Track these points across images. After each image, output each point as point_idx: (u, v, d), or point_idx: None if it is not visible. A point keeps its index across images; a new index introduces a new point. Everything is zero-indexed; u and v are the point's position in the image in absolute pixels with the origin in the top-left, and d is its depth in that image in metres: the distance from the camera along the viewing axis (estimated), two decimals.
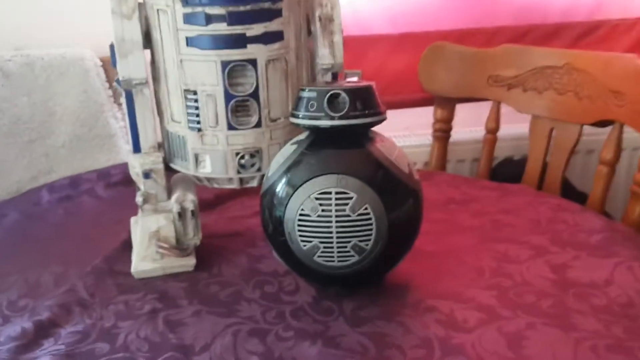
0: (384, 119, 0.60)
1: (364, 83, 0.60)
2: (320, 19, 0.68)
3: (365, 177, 0.57)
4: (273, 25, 0.63)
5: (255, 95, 0.65)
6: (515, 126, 1.27)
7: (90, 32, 1.14)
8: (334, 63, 0.70)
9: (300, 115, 0.60)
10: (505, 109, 1.04)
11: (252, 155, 0.68)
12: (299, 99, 0.60)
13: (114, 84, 0.69)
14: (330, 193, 0.56)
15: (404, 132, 1.28)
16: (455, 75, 1.06)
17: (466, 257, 0.69)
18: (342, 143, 0.59)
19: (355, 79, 0.72)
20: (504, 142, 1.18)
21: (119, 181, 0.98)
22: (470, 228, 0.77)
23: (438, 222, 0.78)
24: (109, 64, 1.13)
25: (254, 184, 0.71)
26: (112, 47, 0.66)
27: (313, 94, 0.59)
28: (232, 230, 0.80)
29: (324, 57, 0.70)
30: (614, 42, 1.20)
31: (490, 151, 1.06)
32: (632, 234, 0.73)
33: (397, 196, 0.58)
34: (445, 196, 0.87)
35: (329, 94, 0.58)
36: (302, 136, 0.62)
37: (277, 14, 0.63)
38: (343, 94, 0.58)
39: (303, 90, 0.60)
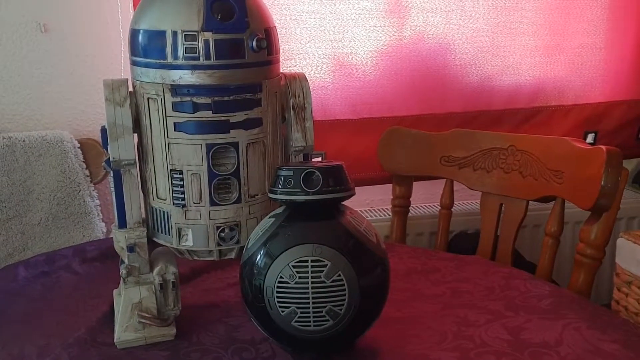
0: (353, 194, 0.67)
1: (335, 162, 0.67)
2: (294, 108, 0.77)
3: (338, 246, 0.63)
4: (253, 113, 0.71)
5: (236, 174, 0.71)
6: (467, 203, 1.37)
7: (69, 115, 1.21)
8: (305, 145, 0.78)
9: (278, 191, 0.66)
10: (458, 187, 1.13)
11: (231, 229, 0.73)
12: (277, 177, 0.67)
13: (103, 164, 0.74)
14: (306, 261, 0.62)
15: (366, 207, 1.36)
16: (411, 156, 1.15)
17: (430, 323, 0.75)
18: (316, 216, 0.66)
19: (319, 158, 0.80)
20: (457, 216, 1.27)
21: (94, 257, 1.01)
22: (432, 296, 0.83)
23: (402, 290, 0.84)
24: (87, 145, 1.20)
25: (232, 256, 0.76)
26: (103, 130, 0.72)
27: (290, 172, 0.66)
28: (209, 301, 0.84)
29: (297, 140, 0.77)
30: (553, 125, 1.33)
31: (446, 225, 1.14)
32: (578, 299, 0.81)
33: (367, 263, 0.65)
34: (406, 266, 0.94)
35: (304, 172, 0.65)
36: (279, 210, 0.68)
37: (257, 103, 0.71)
38: (317, 172, 0.65)
39: (281, 169, 0.67)
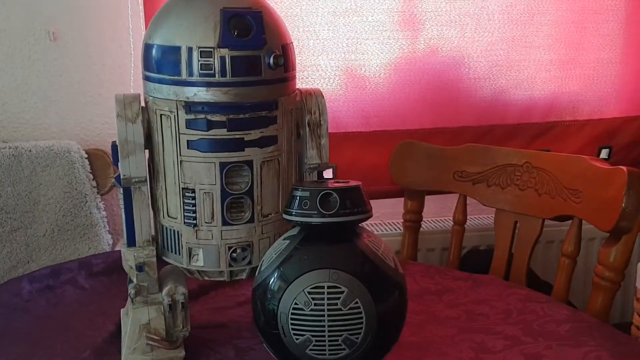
0: (371, 216, 0.65)
1: (353, 183, 0.65)
2: (309, 124, 0.75)
3: (355, 271, 0.61)
4: (268, 131, 0.69)
5: (249, 193, 0.69)
6: (480, 217, 1.35)
7: (76, 125, 1.20)
8: (320, 163, 0.76)
9: (294, 213, 0.64)
10: (471, 201, 1.11)
11: (243, 249, 0.71)
12: (292, 198, 0.65)
13: (113, 181, 0.72)
14: (322, 287, 0.60)
15: (376, 221, 1.34)
16: (423, 170, 1.13)
17: (446, 348, 0.73)
18: (333, 239, 0.64)
19: (330, 171, 0.78)
20: (470, 232, 1.24)
21: (100, 271, 0.99)
22: (447, 319, 0.81)
23: (416, 312, 0.82)
24: (94, 156, 1.18)
25: (243, 276, 0.74)
26: (114, 147, 0.70)
27: (306, 194, 0.64)
28: (218, 321, 0.82)
29: (312, 157, 0.75)
30: (567, 140, 1.31)
31: (459, 242, 1.12)
32: (597, 324, 0.79)
33: (385, 289, 0.62)
34: (420, 286, 0.92)
35: (321, 193, 0.63)
36: (294, 231, 0.66)
37: (273, 121, 0.69)
38: (334, 194, 0.63)
39: (296, 189, 0.65)
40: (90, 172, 1.12)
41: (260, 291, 0.64)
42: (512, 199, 1.05)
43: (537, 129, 1.28)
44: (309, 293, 0.60)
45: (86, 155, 1.13)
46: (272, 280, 0.63)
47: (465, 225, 1.12)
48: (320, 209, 0.63)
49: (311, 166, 0.76)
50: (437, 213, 1.32)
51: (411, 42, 1.22)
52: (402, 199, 1.17)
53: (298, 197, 0.64)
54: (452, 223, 1.12)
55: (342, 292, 0.60)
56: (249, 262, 0.72)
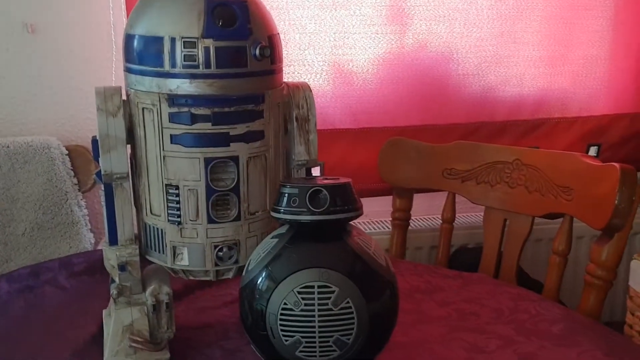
0: (361, 214, 0.63)
1: (343, 180, 0.63)
2: (297, 119, 0.73)
3: (346, 270, 0.59)
4: (255, 125, 0.67)
5: (235, 189, 0.67)
6: (468, 215, 1.34)
7: (56, 120, 1.16)
8: (309, 159, 0.74)
9: (282, 210, 0.62)
10: (459, 199, 1.09)
11: (230, 248, 0.69)
12: (280, 195, 0.63)
13: (93, 176, 0.70)
14: (313, 287, 0.58)
15: (364, 220, 1.32)
16: (412, 168, 1.12)
17: (437, 348, 0.71)
18: (323, 237, 0.62)
19: (317, 168, 0.76)
20: (459, 230, 1.23)
21: (82, 270, 0.96)
22: (438, 318, 0.79)
23: (407, 312, 0.80)
24: (75, 152, 1.15)
25: (229, 276, 0.71)
26: (94, 141, 0.67)
27: (295, 190, 0.62)
28: (203, 322, 0.80)
29: (300, 153, 0.73)
30: (556, 138, 1.31)
31: (447, 240, 1.10)
32: (591, 323, 0.78)
33: (377, 289, 0.61)
34: (409, 285, 0.90)
35: (310, 190, 0.61)
36: (282, 230, 0.64)
37: (259, 115, 0.67)
38: (324, 191, 0.61)
39: (284, 186, 0.63)
40: (71, 169, 1.09)
41: (247, 291, 0.62)
42: (501, 196, 1.04)
43: (525, 126, 1.28)
44: (299, 293, 0.58)
45: (67, 152, 1.10)
46: (260, 279, 0.61)
47: (454, 224, 1.11)
48: (310, 207, 0.61)
49: (299, 162, 0.74)
50: (426, 211, 1.31)
51: (399, 37, 1.20)
52: (391, 197, 1.15)
53: (286, 194, 0.62)
54: (441, 221, 1.11)
55: (332, 292, 0.58)
56: (236, 261, 0.70)
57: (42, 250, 1.04)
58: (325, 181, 0.63)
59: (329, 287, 0.58)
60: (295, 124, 0.73)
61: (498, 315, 0.80)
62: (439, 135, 1.23)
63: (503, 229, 1.04)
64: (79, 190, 1.09)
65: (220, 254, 0.69)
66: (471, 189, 1.07)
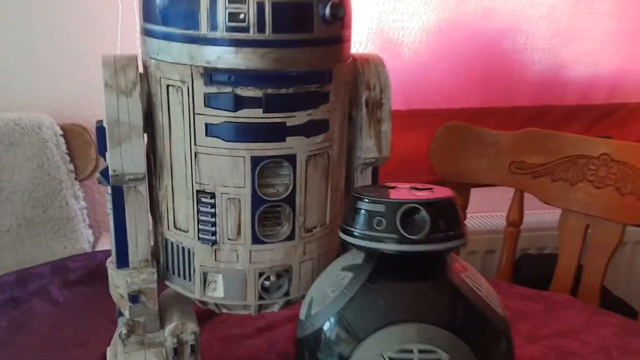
0: (466, 243, 0.46)
1: (444, 193, 0.46)
2: (367, 104, 0.55)
3: (455, 326, 0.42)
4: (318, 113, 0.49)
5: (290, 199, 0.50)
6: (528, 214, 1.17)
7: (50, 94, 0.98)
8: (379, 157, 0.56)
9: (358, 234, 0.45)
10: (509, 192, 0.92)
11: (279, 276, 0.52)
12: (355, 212, 0.46)
13: (98, 176, 0.52)
14: (411, 352, 0.41)
15: None
16: (472, 159, 0.95)
17: None
18: (416, 274, 0.45)
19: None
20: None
21: (79, 278, 0.80)
22: (531, 359, 0.63)
23: None
24: (72, 132, 0.97)
25: (274, 309, 0.55)
26: (100, 130, 0.50)
27: (379, 208, 0.44)
28: (232, 358, 0.63)
29: (369, 149, 0.56)
30: (631, 127, 1.13)
31: (513, 246, 0.94)
32: None
33: (492, 348, 0.44)
34: None
35: (403, 208, 0.44)
36: (357, 259, 0.47)
37: (324, 99, 0.49)
38: (422, 210, 0.44)
39: (360, 199, 0.46)
40: (67, 153, 0.93)
41: (310, 345, 0.45)
42: (584, 198, 0.87)
43: (597, 112, 1.10)
44: (391, 359, 0.41)
45: (61, 132, 0.93)
46: (331, 332, 0.44)
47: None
48: (403, 232, 0.43)
49: (366, 161, 0.56)
50: (479, 207, 1.13)
51: (459, 2, 1.02)
52: None
53: (365, 212, 0.45)
54: (505, 224, 0.94)
55: (438, 359, 0.41)
56: (286, 293, 0.53)
57: (30, 250, 0.88)
58: (418, 194, 0.46)
59: (434, 351, 0.41)
60: (364, 110, 0.55)
61: (605, 356, 0.64)
62: (500, 120, 1.05)
63: (584, 238, 0.88)
64: (76, 178, 0.92)
65: (267, 283, 0.52)
66: (545, 187, 0.90)
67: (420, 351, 0.41)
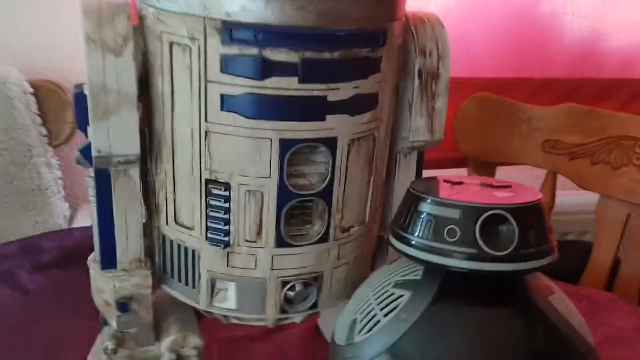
0: (557, 259, 0.36)
1: (532, 195, 0.36)
2: (420, 75, 0.44)
3: None
4: (367, 85, 0.38)
5: (325, 193, 0.39)
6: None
7: (17, 45, 0.84)
8: (430, 140, 0.46)
9: (418, 244, 0.35)
10: (540, 172, 0.83)
11: (306, 285, 0.42)
12: (415, 215, 0.36)
13: (76, 154, 0.41)
14: None
15: None
16: (501, 135, 0.85)
17: None
18: (495, 297, 0.35)
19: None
20: None
21: (53, 261, 0.69)
22: None
23: None
24: (44, 89, 0.84)
25: (296, 320, 0.45)
26: (79, 96, 0.38)
27: (453, 213, 0.34)
28: None
29: (419, 130, 0.45)
30: None
31: None
32: None
33: None
34: None
35: (485, 215, 0.33)
36: (414, 274, 0.37)
37: (375, 67, 0.39)
38: (511, 219, 0.33)
39: (422, 198, 0.36)
40: (38, 114, 0.80)
41: None
42: (627, 184, 0.78)
43: (636, 87, 1.00)
44: None
45: (31, 89, 0.80)
46: None
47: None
48: (484, 247, 0.33)
49: (414, 144, 0.46)
50: None
51: None
52: (465, 169, 0.89)
53: (432, 218, 0.35)
54: None
55: None
56: (313, 305, 0.43)
57: None
58: (499, 195, 0.36)
59: None
60: (416, 81, 0.44)
61: None
62: (533, 92, 0.95)
63: (624, 229, 0.79)
64: (49, 144, 0.80)
65: (291, 294, 0.42)
66: (583, 170, 0.81)
67: None
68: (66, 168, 0.85)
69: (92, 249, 0.73)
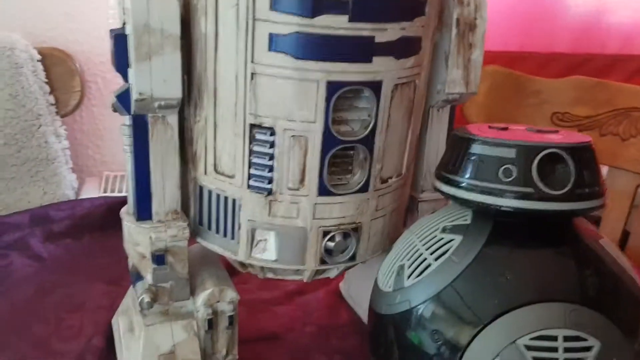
0: (606, 203, 0.36)
1: (583, 137, 0.36)
2: (457, 24, 0.43)
3: (607, 307, 0.32)
4: (412, 28, 0.38)
5: (368, 140, 0.39)
6: None
7: (25, 11, 0.82)
8: (464, 92, 0.45)
9: (469, 185, 0.35)
10: None
11: (345, 236, 0.41)
12: (466, 157, 0.35)
13: (114, 101, 0.40)
14: (555, 339, 0.31)
15: None
16: (510, 108, 0.85)
17: None
18: (549, 239, 0.35)
19: None
20: None
21: (64, 230, 0.68)
22: None
23: None
24: (52, 57, 0.82)
25: (330, 274, 0.45)
26: (119, 37, 0.37)
27: (508, 152, 0.34)
28: (264, 330, 0.53)
29: (454, 82, 0.45)
30: None
31: None
32: None
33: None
34: None
35: (542, 154, 0.33)
36: (463, 218, 0.37)
37: (420, 10, 0.38)
38: (568, 158, 0.33)
39: (474, 140, 0.35)
40: (46, 82, 0.78)
41: (405, 328, 0.35)
42: (636, 155, 0.79)
43: (638, 63, 1.01)
44: (529, 348, 0.31)
45: (39, 57, 0.79)
46: (435, 315, 0.33)
47: None
48: (541, 185, 0.33)
49: (449, 97, 0.45)
50: None
51: None
52: None
53: (485, 159, 0.34)
54: None
55: (589, 349, 0.31)
56: (352, 257, 0.42)
57: (4, 196, 0.74)
58: (551, 137, 0.36)
59: (584, 339, 0.31)
60: (453, 31, 0.44)
61: None
62: (538, 66, 0.95)
63: (633, 200, 0.80)
64: (57, 113, 0.78)
65: (331, 244, 0.41)
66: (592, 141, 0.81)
67: (566, 338, 0.31)
68: (73, 138, 0.84)
69: (102, 219, 0.72)
